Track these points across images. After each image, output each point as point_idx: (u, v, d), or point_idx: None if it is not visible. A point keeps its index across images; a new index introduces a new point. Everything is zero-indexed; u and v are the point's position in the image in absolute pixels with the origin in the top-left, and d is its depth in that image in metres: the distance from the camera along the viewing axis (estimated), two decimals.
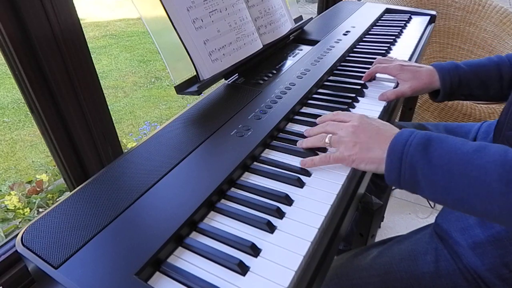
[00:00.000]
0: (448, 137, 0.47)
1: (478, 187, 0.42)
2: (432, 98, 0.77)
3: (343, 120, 0.57)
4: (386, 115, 0.69)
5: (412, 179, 0.47)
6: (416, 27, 1.10)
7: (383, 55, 0.90)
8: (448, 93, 0.72)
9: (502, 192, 0.40)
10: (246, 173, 0.54)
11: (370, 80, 0.79)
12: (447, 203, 0.46)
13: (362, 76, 0.80)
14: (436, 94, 0.75)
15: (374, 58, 0.83)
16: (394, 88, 0.75)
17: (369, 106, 0.70)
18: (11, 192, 1.46)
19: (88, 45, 0.62)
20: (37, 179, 1.53)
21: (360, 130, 0.53)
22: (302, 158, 0.55)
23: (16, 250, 0.41)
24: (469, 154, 0.44)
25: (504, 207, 0.41)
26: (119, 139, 0.74)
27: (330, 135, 0.55)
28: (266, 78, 0.77)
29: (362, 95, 0.74)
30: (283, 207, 0.47)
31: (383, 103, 0.71)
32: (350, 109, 0.69)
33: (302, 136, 0.61)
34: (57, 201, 0.48)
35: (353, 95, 0.72)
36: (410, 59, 0.91)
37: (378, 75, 0.80)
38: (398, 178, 0.48)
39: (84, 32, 0.61)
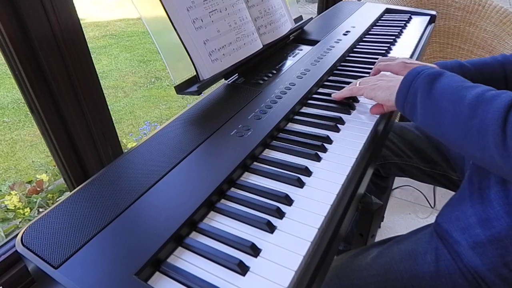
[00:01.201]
0: (456, 75, 0.54)
1: (454, 111, 0.49)
2: None
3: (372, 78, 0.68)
4: (386, 115, 0.69)
5: (413, 104, 0.55)
6: (416, 27, 1.10)
7: (383, 55, 0.90)
8: None
9: (467, 116, 0.47)
10: (246, 173, 0.54)
11: None
12: (430, 127, 0.53)
13: (362, 76, 0.80)
14: None
15: (374, 58, 0.83)
16: None
17: (369, 106, 0.70)
18: (11, 192, 1.46)
19: (88, 45, 0.62)
20: (37, 179, 1.53)
21: (386, 75, 0.66)
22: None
23: (16, 250, 0.41)
24: (460, 87, 0.50)
25: (464, 128, 0.47)
26: (119, 139, 0.74)
27: (360, 80, 0.68)
28: (266, 78, 0.77)
29: (356, 101, 0.74)
30: (283, 207, 0.47)
31: None
32: (350, 108, 0.69)
33: (302, 136, 0.61)
34: (57, 201, 0.48)
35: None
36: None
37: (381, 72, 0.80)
38: (404, 101, 0.56)
39: (84, 32, 0.61)
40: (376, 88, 0.63)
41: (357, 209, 0.77)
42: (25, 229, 0.43)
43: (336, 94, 0.70)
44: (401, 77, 0.59)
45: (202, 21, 0.68)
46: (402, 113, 0.59)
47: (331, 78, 0.80)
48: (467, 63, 0.72)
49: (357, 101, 0.72)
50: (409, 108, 0.56)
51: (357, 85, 0.67)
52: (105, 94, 0.68)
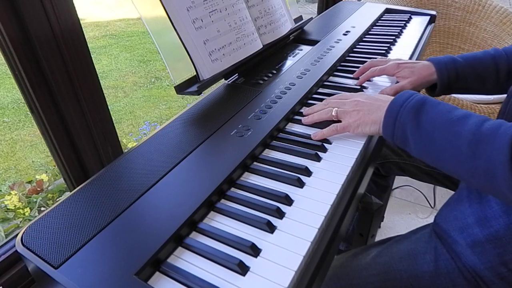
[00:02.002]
0: (440, 103, 0.53)
1: (452, 150, 0.48)
2: (430, 92, 0.77)
3: (345, 98, 0.64)
4: None
5: (403, 137, 0.54)
6: (416, 27, 1.10)
7: (383, 55, 0.90)
8: (445, 86, 0.73)
9: (469, 156, 0.46)
10: (246, 173, 0.54)
11: (370, 80, 0.79)
12: (428, 160, 0.53)
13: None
14: (433, 88, 0.75)
15: (374, 58, 0.82)
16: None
17: None
18: (11, 192, 1.46)
19: (88, 45, 0.62)
20: (37, 179, 1.53)
21: (362, 101, 0.60)
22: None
23: (16, 250, 0.41)
24: (451, 121, 0.49)
25: (469, 168, 0.47)
26: (119, 139, 0.74)
27: (336, 108, 0.62)
28: (266, 78, 0.77)
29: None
30: (283, 207, 0.47)
31: None
32: None
33: (302, 136, 0.61)
34: (57, 201, 0.48)
35: None
36: (410, 59, 0.91)
37: (375, 78, 0.80)
38: (392, 134, 0.55)
39: (84, 32, 0.61)
40: (361, 124, 0.59)
41: (357, 209, 0.77)
42: (25, 229, 0.43)
43: (317, 135, 0.61)
44: (381, 104, 0.57)
45: (202, 21, 0.68)
46: (392, 144, 0.59)
47: (331, 78, 0.80)
48: (460, 58, 0.73)
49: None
50: (400, 142, 0.55)
51: (333, 113, 0.62)
52: (105, 94, 0.68)
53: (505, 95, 0.64)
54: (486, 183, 0.46)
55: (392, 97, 0.57)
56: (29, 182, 1.57)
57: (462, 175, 0.49)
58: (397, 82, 0.75)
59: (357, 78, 0.78)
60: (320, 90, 0.76)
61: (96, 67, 0.64)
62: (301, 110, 0.69)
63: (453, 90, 0.74)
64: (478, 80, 0.73)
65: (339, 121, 0.61)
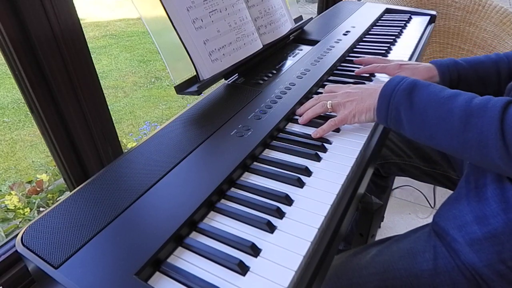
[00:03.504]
0: (431, 84, 0.55)
1: (444, 125, 0.51)
2: None
3: (334, 91, 0.66)
4: None
5: (397, 118, 0.56)
6: (416, 27, 1.10)
7: (383, 55, 0.90)
8: None
9: (460, 130, 0.49)
10: (246, 173, 0.54)
11: (370, 80, 0.79)
12: (422, 139, 0.55)
13: (362, 77, 0.80)
14: None
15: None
16: None
17: None
18: (11, 192, 1.46)
19: (88, 45, 0.62)
20: (37, 179, 1.53)
21: (353, 91, 0.63)
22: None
23: (16, 250, 0.41)
24: (443, 99, 0.52)
25: (462, 142, 0.50)
26: (119, 139, 0.74)
27: (330, 101, 0.63)
28: (266, 78, 0.77)
29: None
30: (283, 207, 0.47)
31: None
32: None
33: (302, 136, 0.61)
34: (57, 201, 0.48)
35: None
36: (410, 59, 0.91)
37: (377, 75, 0.80)
38: (386, 117, 0.57)
39: (84, 32, 0.61)
40: (357, 114, 0.61)
41: (357, 209, 0.77)
42: (25, 229, 0.43)
43: (319, 133, 0.61)
44: (372, 91, 0.60)
45: (202, 21, 0.68)
46: (386, 127, 0.60)
47: (331, 78, 0.81)
48: (462, 61, 0.74)
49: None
50: (394, 124, 0.57)
51: (328, 106, 0.63)
52: (105, 94, 0.68)
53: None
54: (478, 154, 0.49)
55: (381, 84, 0.59)
56: (29, 182, 1.57)
57: (455, 149, 0.51)
58: None
59: (358, 77, 0.79)
60: (320, 90, 0.76)
61: (96, 67, 0.64)
62: None
63: None
64: (480, 83, 0.73)
65: (334, 116, 0.63)
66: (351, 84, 0.67)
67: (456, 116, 0.50)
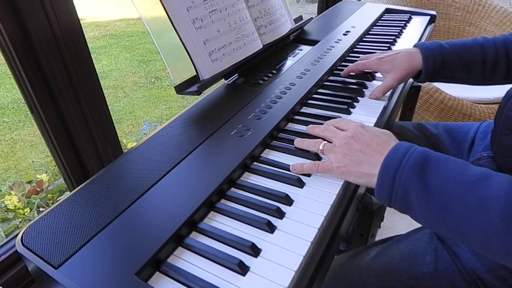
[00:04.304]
0: (448, 158, 0.44)
1: (477, 220, 0.39)
2: (414, 78, 0.76)
3: (342, 128, 0.55)
4: (386, 114, 0.69)
5: (405, 201, 0.44)
6: (416, 27, 1.10)
7: None
8: (430, 74, 0.71)
9: (503, 229, 0.38)
10: (246, 173, 0.54)
11: (370, 80, 0.79)
12: (441, 230, 0.44)
13: (362, 77, 0.80)
14: (417, 75, 0.74)
15: None
16: None
17: (369, 107, 0.70)
18: (11, 192, 1.46)
19: (88, 45, 0.62)
20: (37, 179, 1.53)
21: (353, 141, 0.51)
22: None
23: (16, 250, 0.41)
24: (470, 183, 0.41)
25: (504, 244, 0.38)
26: (119, 139, 0.74)
27: (325, 142, 0.54)
28: (266, 78, 0.77)
29: (362, 95, 0.74)
30: (283, 207, 0.47)
31: (383, 103, 0.71)
32: (350, 109, 0.69)
33: (302, 135, 0.61)
34: (57, 201, 0.48)
35: (353, 95, 0.72)
36: None
37: (378, 74, 0.80)
38: (390, 198, 0.46)
39: (84, 32, 0.61)
40: (345, 173, 0.50)
41: (357, 209, 0.77)
42: (25, 229, 0.43)
43: (297, 168, 0.53)
44: (372, 155, 0.48)
45: (202, 21, 0.68)
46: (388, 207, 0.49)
47: (331, 78, 0.80)
48: (447, 45, 0.71)
49: (357, 101, 0.72)
50: (400, 206, 0.46)
51: (320, 147, 0.54)
52: (105, 94, 0.68)
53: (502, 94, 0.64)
54: None
55: (388, 137, 0.50)
56: (29, 182, 1.57)
57: (493, 250, 0.39)
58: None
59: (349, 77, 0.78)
60: (320, 90, 0.76)
61: (96, 67, 0.65)
62: (302, 110, 0.69)
63: (437, 78, 0.73)
64: (464, 69, 0.71)
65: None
66: (362, 126, 0.54)
67: (494, 209, 0.38)
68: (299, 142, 0.57)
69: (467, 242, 0.42)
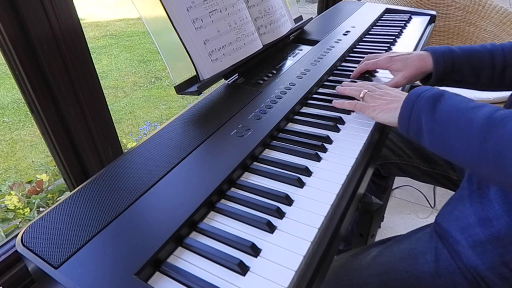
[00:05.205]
0: (458, 95, 0.53)
1: (463, 136, 0.48)
2: (423, 82, 0.77)
3: (380, 87, 0.67)
4: None
5: (418, 128, 0.54)
6: (416, 27, 1.10)
7: None
8: (440, 77, 0.72)
9: (479, 140, 0.46)
10: (246, 173, 0.54)
11: (370, 80, 0.79)
12: (440, 151, 0.52)
13: (362, 77, 0.80)
14: (427, 78, 0.75)
15: None
16: None
17: None
18: (11, 192, 1.46)
19: (88, 45, 0.62)
20: (37, 179, 1.53)
21: (390, 93, 0.63)
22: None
23: (16, 250, 0.41)
24: (466, 109, 0.50)
25: (479, 153, 0.46)
26: (119, 139, 0.74)
27: (366, 91, 0.66)
28: (266, 78, 0.77)
29: None
30: (283, 207, 0.47)
31: None
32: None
33: (302, 136, 0.61)
34: (57, 201, 0.48)
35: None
36: None
37: (377, 74, 0.80)
38: (407, 126, 0.55)
39: (84, 32, 0.61)
40: (378, 109, 0.61)
41: (357, 209, 0.77)
42: (25, 229, 0.43)
43: (337, 103, 0.67)
44: (403, 98, 0.58)
45: (202, 21, 0.68)
46: (407, 137, 0.60)
47: (331, 78, 0.80)
48: (457, 49, 0.73)
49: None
50: (414, 133, 0.55)
51: (361, 94, 0.66)
52: (105, 94, 0.68)
53: (504, 94, 0.64)
54: (495, 167, 0.45)
55: None
56: (29, 182, 1.57)
57: (471, 161, 0.48)
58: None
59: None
60: (320, 90, 0.76)
61: (96, 67, 0.64)
62: (302, 110, 0.69)
63: (447, 81, 0.73)
64: (473, 73, 0.72)
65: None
66: (397, 89, 0.66)
67: (476, 126, 0.47)
68: (340, 88, 0.70)
69: (457, 158, 0.50)
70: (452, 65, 0.71)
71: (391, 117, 0.59)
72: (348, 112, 0.68)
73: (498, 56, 0.71)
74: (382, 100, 0.62)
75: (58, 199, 1.47)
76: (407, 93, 0.59)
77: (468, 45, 0.75)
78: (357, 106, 0.64)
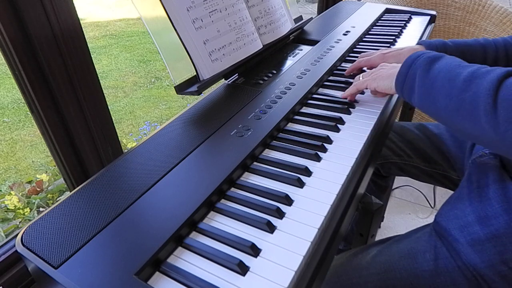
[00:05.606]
0: (456, 58, 0.54)
1: (448, 86, 0.49)
2: None
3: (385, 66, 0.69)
4: (386, 114, 0.69)
5: (411, 85, 0.55)
6: (416, 27, 1.10)
7: None
8: None
9: (461, 90, 0.48)
10: (246, 173, 0.54)
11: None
12: (426, 106, 0.53)
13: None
14: None
15: None
16: None
17: (369, 106, 0.70)
18: (11, 192, 1.46)
19: (88, 45, 0.62)
20: (37, 179, 1.53)
21: (387, 65, 0.67)
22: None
23: (16, 250, 0.41)
24: (457, 66, 0.50)
25: (457, 101, 0.48)
26: (119, 139, 0.74)
27: (364, 73, 0.70)
28: (266, 78, 0.77)
29: (362, 93, 0.74)
30: (283, 207, 0.47)
31: (384, 100, 0.70)
32: (350, 108, 0.69)
33: (302, 136, 0.61)
34: (57, 201, 0.48)
35: None
36: None
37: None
38: (403, 83, 0.57)
39: (84, 32, 0.61)
40: (377, 78, 0.64)
41: (357, 209, 0.77)
42: (25, 229, 0.43)
43: (345, 94, 0.70)
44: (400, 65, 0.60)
45: (202, 21, 0.68)
46: (401, 97, 0.60)
47: (331, 78, 0.80)
48: (450, 43, 0.74)
49: (357, 101, 0.72)
50: (407, 90, 0.57)
51: (361, 78, 0.69)
52: (105, 94, 0.68)
53: None
54: (469, 116, 0.47)
55: None
56: (29, 182, 1.57)
57: (449, 111, 0.49)
58: None
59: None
60: (320, 90, 0.76)
61: (96, 67, 0.64)
62: (302, 110, 0.69)
63: None
64: None
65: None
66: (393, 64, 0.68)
67: (461, 78, 0.48)
68: (347, 93, 0.71)
69: (438, 110, 0.51)
70: None
71: (390, 82, 0.61)
72: (348, 112, 0.68)
73: (490, 50, 0.73)
74: (381, 71, 0.65)
75: (58, 199, 1.47)
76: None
77: (462, 39, 0.76)
78: (358, 84, 0.67)
